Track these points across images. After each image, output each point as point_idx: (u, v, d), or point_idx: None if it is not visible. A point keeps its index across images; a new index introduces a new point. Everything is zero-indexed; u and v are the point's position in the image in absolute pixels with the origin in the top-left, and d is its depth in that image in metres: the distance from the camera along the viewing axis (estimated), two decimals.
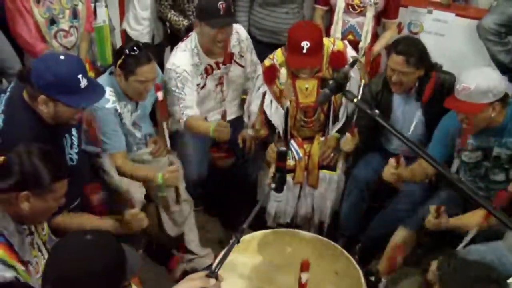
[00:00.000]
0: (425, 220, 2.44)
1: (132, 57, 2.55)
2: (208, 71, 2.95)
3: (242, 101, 3.21)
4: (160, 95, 2.59)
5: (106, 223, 2.29)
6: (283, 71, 2.80)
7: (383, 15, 3.30)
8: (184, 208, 2.90)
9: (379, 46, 3.29)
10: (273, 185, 1.84)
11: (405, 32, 3.56)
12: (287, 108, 2.87)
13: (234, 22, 2.90)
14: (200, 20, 2.78)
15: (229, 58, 2.99)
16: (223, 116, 2.59)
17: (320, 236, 2.56)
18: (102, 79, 2.66)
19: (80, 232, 1.55)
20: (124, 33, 3.53)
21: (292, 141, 3.00)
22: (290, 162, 2.92)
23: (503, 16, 3.28)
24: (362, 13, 3.23)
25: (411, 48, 2.65)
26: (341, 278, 2.31)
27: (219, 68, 2.98)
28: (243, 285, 2.30)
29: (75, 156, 2.32)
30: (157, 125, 3.05)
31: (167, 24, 3.49)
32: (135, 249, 1.92)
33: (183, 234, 2.95)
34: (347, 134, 2.82)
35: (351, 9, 3.23)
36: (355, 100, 1.60)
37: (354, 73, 2.84)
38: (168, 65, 2.89)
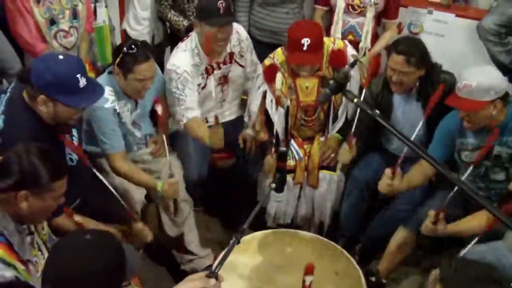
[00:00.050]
0: (422, 224, 2.42)
1: (130, 55, 2.54)
2: (208, 71, 2.94)
3: (242, 101, 3.21)
4: (159, 109, 2.58)
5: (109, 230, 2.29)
6: (278, 78, 2.77)
7: (383, 16, 3.30)
8: (184, 209, 2.89)
9: (379, 46, 3.29)
10: (273, 185, 1.83)
11: (405, 32, 3.55)
12: (288, 107, 2.86)
13: (234, 21, 2.90)
14: (200, 20, 2.78)
15: (230, 58, 2.99)
16: (216, 120, 2.56)
17: (320, 236, 2.56)
18: (101, 79, 2.66)
19: (80, 231, 1.56)
20: (124, 33, 3.53)
21: (292, 141, 3.00)
22: (290, 163, 2.92)
23: (503, 17, 3.27)
24: (362, 13, 3.22)
25: (412, 48, 2.64)
26: (341, 278, 2.31)
27: (219, 68, 2.98)
28: (243, 286, 2.29)
29: (75, 157, 2.32)
30: (157, 125, 3.05)
31: (167, 24, 3.49)
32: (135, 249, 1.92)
33: (183, 234, 2.94)
34: (345, 145, 2.81)
35: (351, 9, 3.23)
36: (355, 100, 1.61)
37: (355, 73, 2.84)
38: (168, 65, 2.89)
